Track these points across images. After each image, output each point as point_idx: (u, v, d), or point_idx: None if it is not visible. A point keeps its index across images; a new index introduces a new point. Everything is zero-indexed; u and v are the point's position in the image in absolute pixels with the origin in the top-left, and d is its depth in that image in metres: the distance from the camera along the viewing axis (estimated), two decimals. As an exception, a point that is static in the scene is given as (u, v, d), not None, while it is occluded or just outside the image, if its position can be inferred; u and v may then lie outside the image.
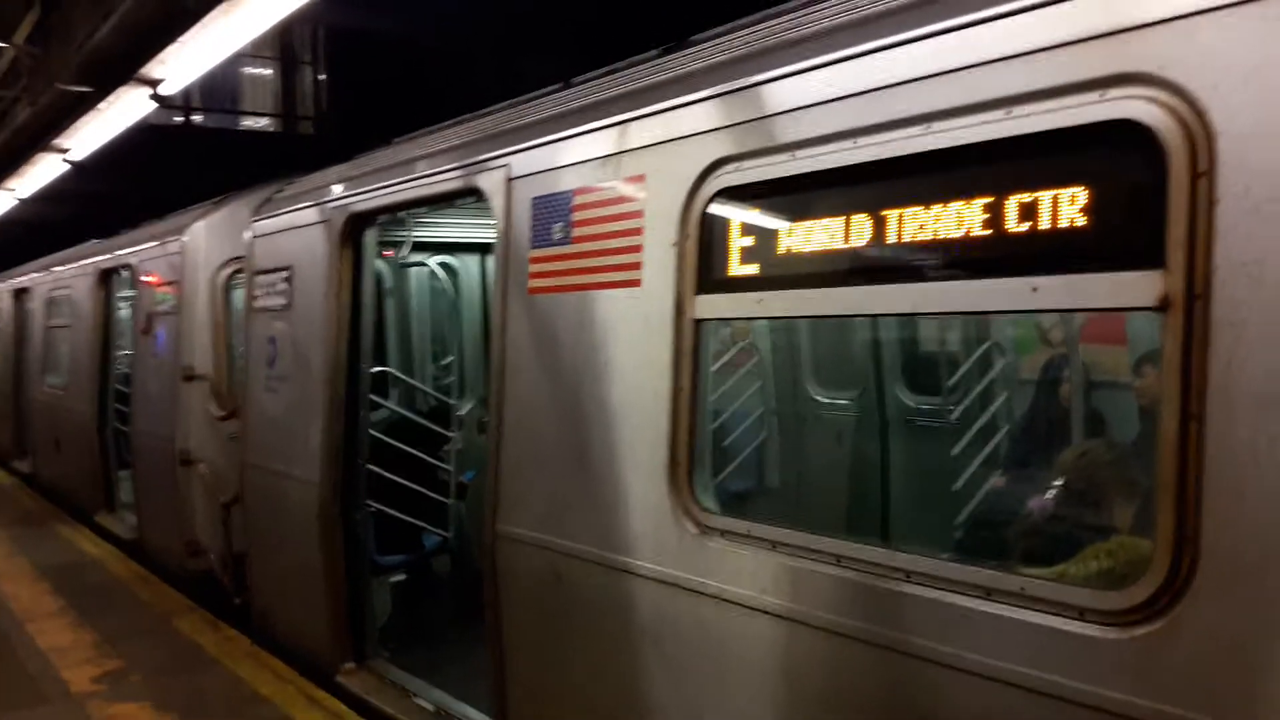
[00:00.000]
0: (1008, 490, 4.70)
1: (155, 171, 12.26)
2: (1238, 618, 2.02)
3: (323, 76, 12.82)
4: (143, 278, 8.79)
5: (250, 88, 13.28)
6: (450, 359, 8.11)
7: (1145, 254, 2.18)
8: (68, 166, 9.11)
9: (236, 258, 7.68)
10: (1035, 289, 2.41)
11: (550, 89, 4.79)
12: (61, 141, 8.46)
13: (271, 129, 13.99)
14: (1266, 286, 2.00)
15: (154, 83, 5.92)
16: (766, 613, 2.99)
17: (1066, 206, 2.34)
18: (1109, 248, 2.30)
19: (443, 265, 7.83)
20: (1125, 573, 2.50)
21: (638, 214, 3.54)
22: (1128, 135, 2.21)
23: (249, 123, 14.72)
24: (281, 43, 12.96)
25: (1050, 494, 3.40)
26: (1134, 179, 2.26)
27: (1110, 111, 2.24)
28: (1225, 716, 2.02)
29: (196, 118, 13.42)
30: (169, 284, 8.20)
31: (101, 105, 6.77)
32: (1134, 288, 2.22)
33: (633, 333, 3.54)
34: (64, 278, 11.74)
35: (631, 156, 3.61)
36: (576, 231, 3.83)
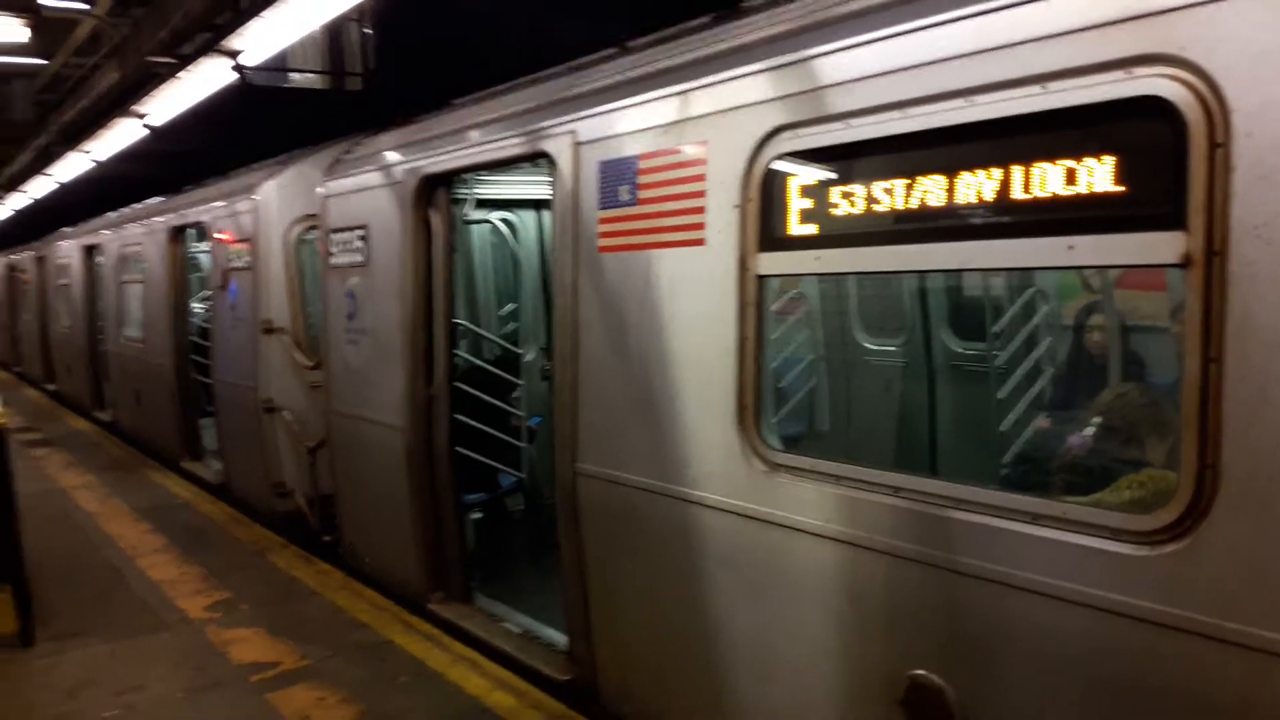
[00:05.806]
0: (1050, 431, 4.96)
1: (214, 129, 12.57)
2: (1252, 536, 2.34)
3: (368, 31, 13.00)
4: (217, 235, 9.18)
5: (299, 44, 13.45)
6: (512, 307, 8.47)
7: (1169, 216, 2.47)
8: (146, 131, 9.46)
9: (306, 215, 8.07)
10: (1071, 247, 2.69)
11: (606, 53, 5.03)
12: (140, 107, 8.81)
13: (319, 85, 14.20)
14: (1276, 245, 2.28)
15: (234, 53, 6.22)
16: (831, 539, 3.35)
17: (1099, 174, 2.61)
18: (1137, 211, 2.57)
19: (504, 221, 8.17)
20: (1154, 502, 2.80)
21: (700, 178, 3.83)
22: (1152, 110, 2.47)
23: (296, 77, 14.92)
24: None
25: (1088, 431, 3.69)
26: (1158, 149, 2.52)
27: (1137, 88, 2.50)
28: (1242, 622, 2.34)
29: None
30: (243, 241, 8.59)
31: (182, 74, 7.09)
32: (1159, 246, 2.50)
33: (699, 288, 3.85)
34: (136, 234, 12.19)
35: (694, 124, 3.88)
36: (642, 194, 4.12)
